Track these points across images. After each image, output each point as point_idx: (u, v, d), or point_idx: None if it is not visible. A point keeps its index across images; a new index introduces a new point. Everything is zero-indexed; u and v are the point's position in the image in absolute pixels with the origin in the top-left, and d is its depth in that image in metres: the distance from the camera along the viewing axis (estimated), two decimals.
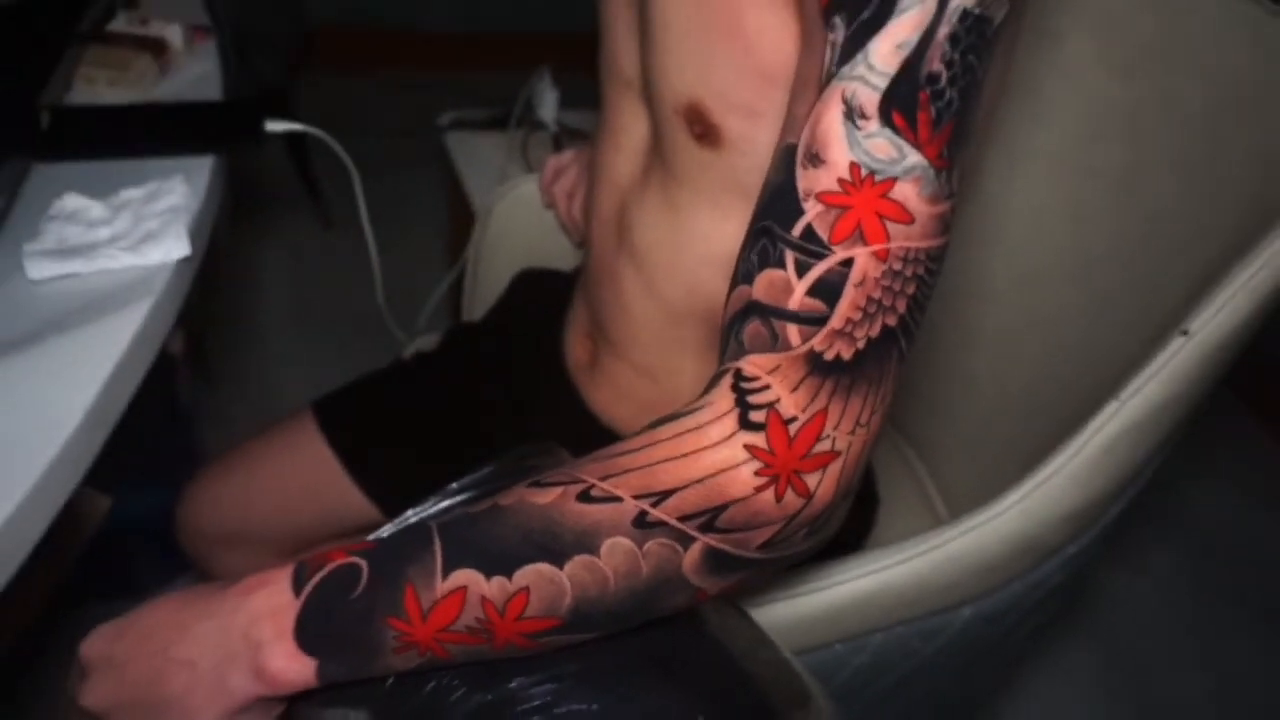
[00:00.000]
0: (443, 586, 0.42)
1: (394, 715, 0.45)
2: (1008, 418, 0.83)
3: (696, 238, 0.60)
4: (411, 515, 0.54)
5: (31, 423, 0.52)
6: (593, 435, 0.73)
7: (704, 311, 0.62)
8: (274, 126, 0.77)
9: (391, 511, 0.84)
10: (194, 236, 0.66)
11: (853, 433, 0.41)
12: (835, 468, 0.41)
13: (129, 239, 0.65)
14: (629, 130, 0.65)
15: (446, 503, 0.55)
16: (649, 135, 0.63)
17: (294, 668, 0.43)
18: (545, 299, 0.87)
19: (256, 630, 0.44)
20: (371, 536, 0.52)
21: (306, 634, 0.43)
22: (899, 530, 0.79)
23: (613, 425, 0.73)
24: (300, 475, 0.85)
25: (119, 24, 0.86)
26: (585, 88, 1.43)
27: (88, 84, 0.80)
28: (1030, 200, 0.79)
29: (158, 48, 0.83)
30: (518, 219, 0.97)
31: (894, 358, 0.42)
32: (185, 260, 0.65)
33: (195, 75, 0.85)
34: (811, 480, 0.41)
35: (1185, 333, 0.54)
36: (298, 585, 0.44)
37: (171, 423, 1.29)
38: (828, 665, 0.62)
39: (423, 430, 0.85)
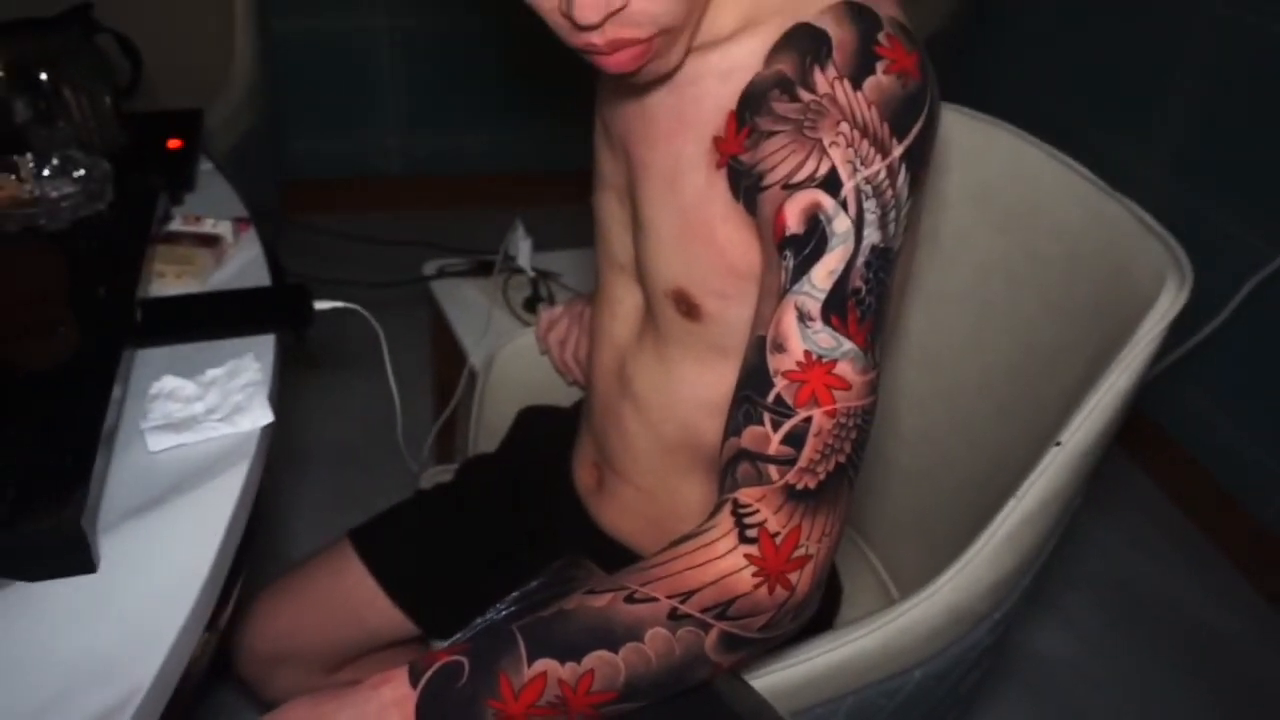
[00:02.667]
0: (528, 673, 0.57)
1: None
2: (939, 508, 0.99)
3: (685, 385, 0.76)
4: (480, 622, 0.69)
5: (172, 573, 0.65)
6: (603, 548, 0.88)
7: (693, 443, 0.78)
8: (321, 306, 0.93)
9: (427, 625, 0.98)
10: (271, 404, 0.81)
11: (820, 541, 0.58)
12: (810, 568, 0.57)
13: (221, 411, 0.79)
14: (623, 301, 0.82)
15: (506, 611, 0.69)
16: (641, 306, 0.80)
17: None
18: (550, 432, 1.02)
19: (386, 715, 0.57)
20: (450, 641, 0.67)
21: (425, 716, 0.57)
22: (860, 609, 0.94)
23: (619, 538, 0.88)
24: (343, 596, 0.98)
25: (176, 224, 1.02)
26: (552, 228, 1.63)
27: (159, 278, 0.95)
28: (942, 330, 0.97)
29: (213, 242, 0.99)
30: (517, 364, 1.13)
31: (846, 485, 0.58)
32: (269, 426, 0.79)
33: (243, 262, 1.01)
34: (794, 578, 0.57)
35: (1059, 444, 0.71)
36: (414, 679, 0.58)
37: None
38: None
39: (451, 551, 0.99)
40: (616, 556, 0.80)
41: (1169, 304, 0.70)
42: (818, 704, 0.76)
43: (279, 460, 1.82)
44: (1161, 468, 2.01)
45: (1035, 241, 0.87)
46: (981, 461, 0.92)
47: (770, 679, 0.74)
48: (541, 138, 2.71)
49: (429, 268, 1.60)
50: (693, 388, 0.76)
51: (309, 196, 2.56)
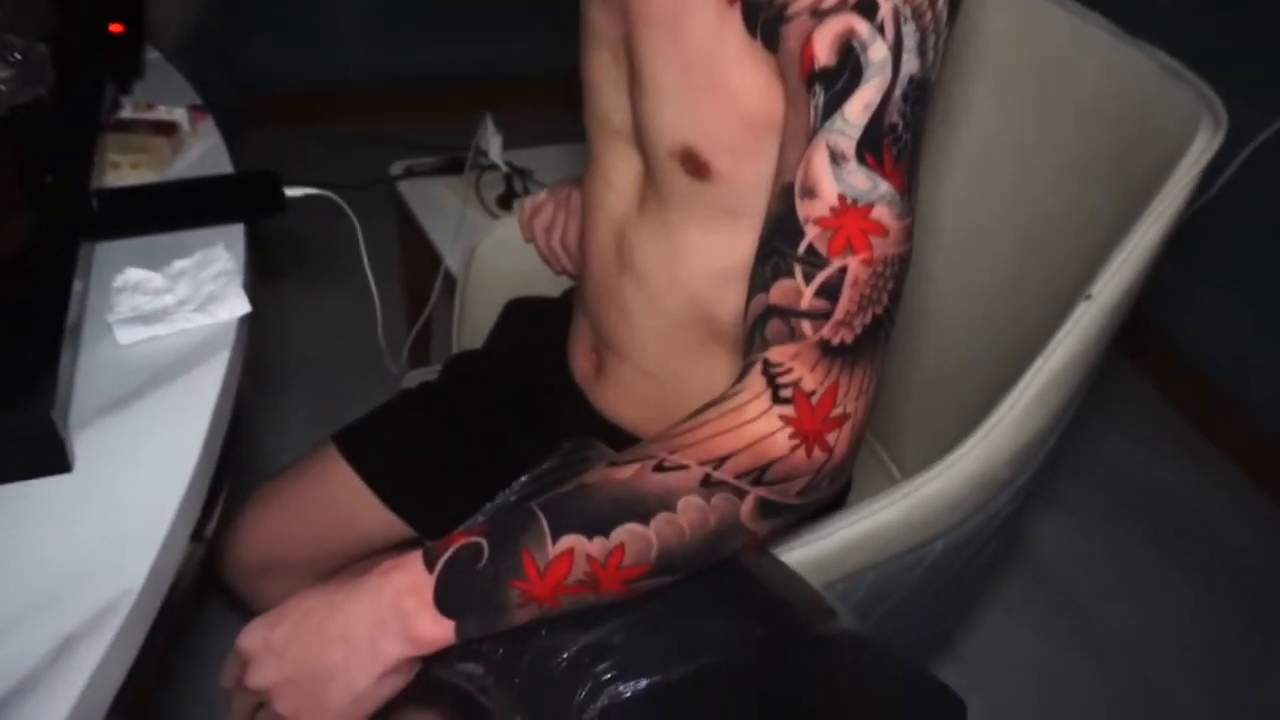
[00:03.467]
0: (554, 550, 0.53)
1: (513, 662, 0.56)
2: (946, 388, 0.97)
3: (691, 253, 0.72)
4: (491, 507, 0.65)
5: (156, 469, 0.60)
6: (605, 436, 0.84)
7: (703, 316, 0.74)
8: (292, 192, 0.87)
9: (419, 525, 0.94)
10: (247, 294, 0.75)
11: (858, 398, 0.54)
12: (848, 427, 0.54)
13: (194, 302, 0.74)
14: (619, 170, 0.76)
15: (519, 494, 0.66)
16: (640, 173, 0.74)
17: (437, 630, 0.54)
18: (540, 321, 0.98)
19: (402, 603, 0.54)
20: (465, 525, 0.63)
21: (445, 601, 0.54)
22: (864, 491, 0.92)
23: (623, 425, 0.84)
24: (331, 502, 0.94)
25: (126, 112, 0.94)
26: (521, 133, 1.55)
27: (113, 169, 0.88)
28: (950, 199, 0.93)
29: (169, 130, 0.92)
30: (500, 256, 1.08)
31: (882, 338, 0.55)
32: (246, 316, 0.74)
33: (203, 151, 0.94)
34: (831, 438, 0.54)
35: (1089, 297, 0.68)
36: (429, 563, 0.55)
37: None
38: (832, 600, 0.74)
39: (442, 448, 0.94)
40: (621, 445, 0.76)
41: (1204, 146, 0.66)
42: (837, 580, 0.74)
43: (251, 376, 1.76)
44: (1159, 368, 2.01)
45: (1045, 97, 0.82)
46: (995, 333, 0.89)
47: (789, 556, 0.71)
48: (507, 44, 2.63)
49: (396, 168, 1.52)
50: (700, 256, 0.71)
51: (267, 111, 2.45)
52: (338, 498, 0.94)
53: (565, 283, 1.06)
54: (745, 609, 0.59)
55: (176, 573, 0.61)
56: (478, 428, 0.94)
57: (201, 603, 1.27)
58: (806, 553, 0.71)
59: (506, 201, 1.42)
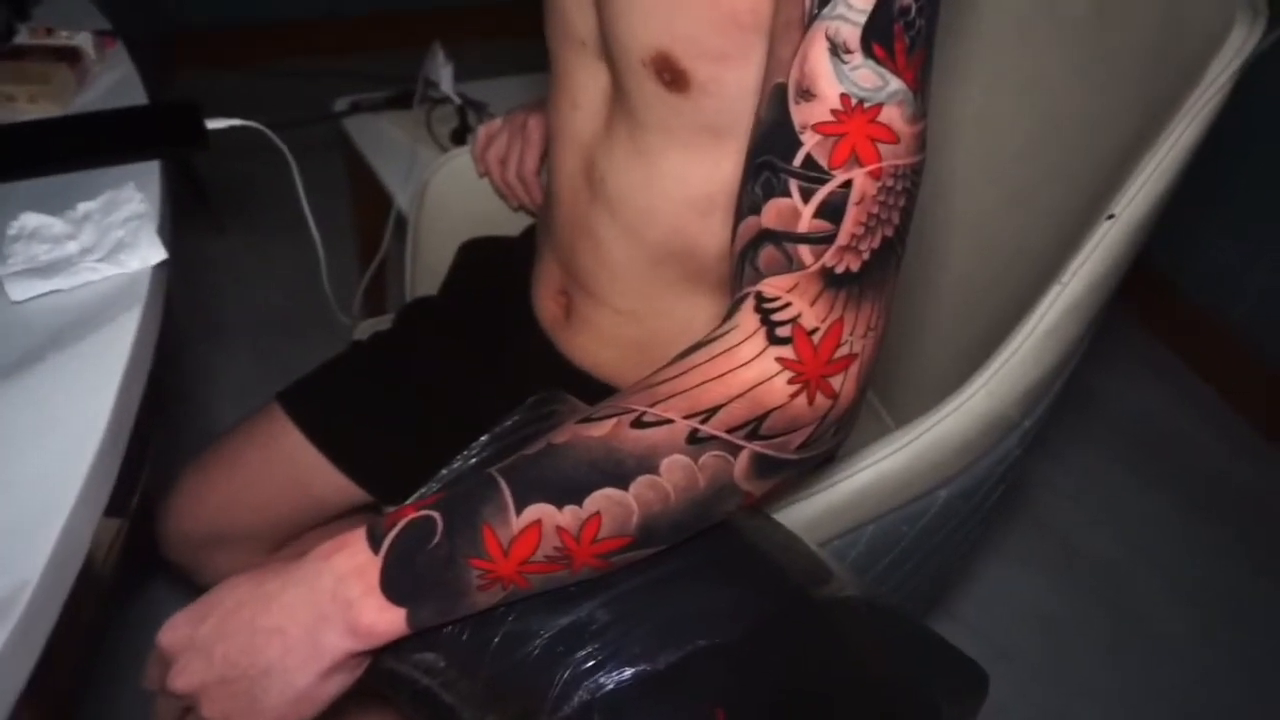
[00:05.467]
0: (518, 522, 0.46)
1: (478, 650, 0.49)
2: (939, 320, 0.90)
3: (671, 180, 0.63)
4: (446, 473, 0.57)
5: (56, 443, 0.52)
6: (578, 386, 0.76)
7: (684, 250, 0.66)
8: (215, 124, 0.77)
9: (376, 490, 0.86)
10: (163, 239, 0.66)
11: (866, 335, 0.47)
12: (855, 369, 0.47)
13: (101, 250, 0.65)
14: (586, 88, 0.68)
15: (478, 456, 0.58)
16: (609, 90, 0.66)
17: (385, 619, 0.46)
18: (500, 264, 0.89)
19: (344, 589, 0.46)
20: (415, 496, 0.55)
21: (393, 586, 0.46)
22: (854, 442, 0.85)
23: (597, 373, 0.76)
24: (279, 467, 0.86)
25: (22, 37, 0.83)
26: (471, 64, 1.45)
27: (8, 102, 0.78)
28: (941, 109, 0.85)
29: (72, 57, 0.82)
30: (452, 192, 0.99)
31: (893, 265, 0.47)
32: (162, 264, 0.65)
33: (113, 82, 0.84)
34: (836, 382, 0.46)
35: (1112, 216, 0.61)
36: (374, 543, 0.47)
37: None
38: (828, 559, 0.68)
39: (396, 404, 0.86)
40: (596, 395, 0.68)
41: (1242, 39, 0.58)
42: (835, 536, 0.67)
43: (194, 337, 1.66)
44: (1134, 288, 1.94)
45: None
46: (993, 257, 0.81)
47: (784, 515, 0.65)
48: None
49: (340, 104, 1.41)
50: (680, 183, 0.63)
51: (195, 49, 2.31)
52: (287, 462, 0.86)
53: (524, 220, 0.98)
54: (740, 579, 0.52)
55: (90, 555, 0.53)
56: (435, 380, 0.86)
57: (145, 579, 1.19)
58: (803, 509, 0.64)
59: (460, 137, 1.32)
